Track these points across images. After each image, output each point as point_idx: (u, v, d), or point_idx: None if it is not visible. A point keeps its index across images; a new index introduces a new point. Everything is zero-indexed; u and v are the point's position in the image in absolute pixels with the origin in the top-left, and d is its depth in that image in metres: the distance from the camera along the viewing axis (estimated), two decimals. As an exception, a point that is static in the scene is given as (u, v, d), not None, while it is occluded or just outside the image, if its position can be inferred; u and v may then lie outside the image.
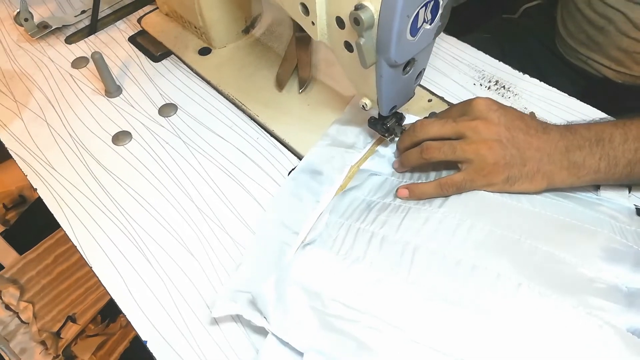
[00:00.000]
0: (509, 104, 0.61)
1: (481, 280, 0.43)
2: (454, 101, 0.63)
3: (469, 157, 0.48)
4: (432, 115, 0.60)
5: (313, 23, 0.50)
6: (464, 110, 0.51)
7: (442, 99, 0.63)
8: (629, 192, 0.51)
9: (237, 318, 0.47)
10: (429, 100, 0.64)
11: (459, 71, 0.67)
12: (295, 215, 0.52)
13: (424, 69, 0.54)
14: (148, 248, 0.53)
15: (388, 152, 0.58)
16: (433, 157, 0.50)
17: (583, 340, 0.39)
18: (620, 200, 0.51)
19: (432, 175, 0.54)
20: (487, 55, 0.68)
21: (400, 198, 0.52)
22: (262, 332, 0.46)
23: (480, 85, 0.65)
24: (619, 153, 0.47)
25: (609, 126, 0.48)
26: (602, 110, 0.60)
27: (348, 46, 0.49)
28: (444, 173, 0.52)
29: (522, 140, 0.48)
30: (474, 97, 0.51)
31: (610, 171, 0.47)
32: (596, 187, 0.51)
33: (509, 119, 0.49)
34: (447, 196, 0.50)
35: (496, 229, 0.46)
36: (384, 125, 0.56)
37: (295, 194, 0.54)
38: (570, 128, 0.49)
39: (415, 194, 0.51)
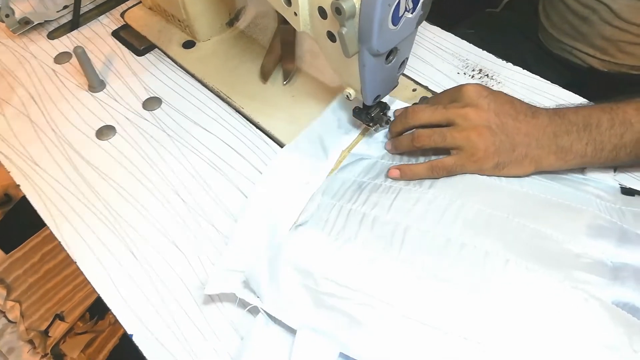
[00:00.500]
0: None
1: (470, 258, 0.44)
2: (439, 90, 0.63)
3: (460, 144, 0.49)
4: (423, 100, 0.60)
5: (295, 14, 0.49)
6: (454, 96, 0.52)
7: (426, 88, 0.64)
8: (614, 172, 0.52)
9: (224, 310, 0.47)
10: (414, 90, 0.64)
11: (443, 60, 0.67)
12: (285, 195, 0.53)
13: (407, 58, 0.54)
14: (134, 242, 0.52)
15: (379, 136, 0.59)
16: (424, 144, 0.51)
17: (569, 313, 0.40)
18: (605, 180, 0.52)
19: (422, 159, 0.54)
20: (471, 45, 0.68)
21: (391, 178, 0.52)
22: (248, 323, 0.46)
23: (464, 74, 0.65)
24: (605, 138, 0.48)
25: (597, 111, 0.49)
26: (588, 99, 0.60)
27: (331, 36, 0.49)
28: (433, 158, 0.53)
29: (511, 126, 0.49)
30: (465, 83, 0.51)
31: (596, 155, 0.49)
32: (582, 168, 0.53)
33: (499, 104, 0.50)
34: (437, 178, 0.51)
35: (485, 208, 0.48)
36: (369, 114, 0.56)
37: (286, 172, 0.54)
38: (558, 112, 0.50)
39: (406, 175, 0.52)
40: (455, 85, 0.61)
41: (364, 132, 0.59)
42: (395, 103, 0.60)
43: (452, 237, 0.45)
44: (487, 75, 0.64)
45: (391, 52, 0.50)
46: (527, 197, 0.49)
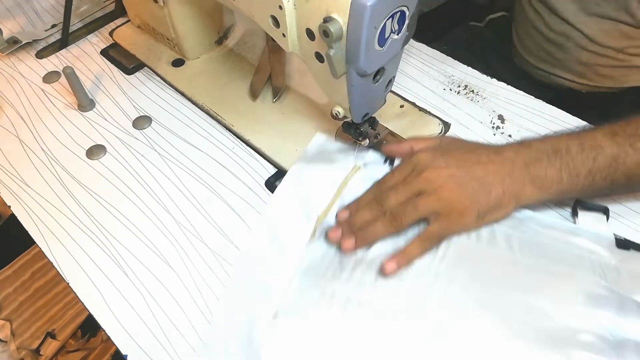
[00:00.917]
0: (477, 108, 0.64)
1: (468, 340, 0.43)
2: (426, 106, 0.64)
3: (434, 208, 0.47)
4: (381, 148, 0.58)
5: (284, 35, 0.50)
6: (407, 169, 0.50)
7: (413, 104, 0.65)
8: (607, 219, 0.51)
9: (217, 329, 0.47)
10: (401, 106, 0.65)
11: (429, 77, 0.68)
12: (263, 274, 0.50)
13: (394, 77, 0.55)
14: (125, 261, 0.53)
15: (349, 198, 0.54)
16: (403, 223, 0.48)
17: None
18: (599, 228, 0.50)
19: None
20: (456, 61, 0.70)
21: (386, 272, 0.47)
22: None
23: (450, 90, 0.66)
24: (578, 163, 0.47)
25: (564, 138, 0.48)
26: (570, 113, 0.62)
27: (319, 57, 0.50)
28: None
29: (478, 170, 0.47)
30: (413, 154, 0.50)
31: (572, 182, 0.47)
32: (574, 212, 0.52)
33: (456, 156, 0.49)
34: (429, 250, 0.49)
35: (475, 282, 0.46)
36: (357, 129, 0.57)
37: (262, 249, 0.52)
38: (523, 143, 0.49)
39: (404, 263, 0.48)
40: (441, 101, 0.62)
41: (338, 192, 0.55)
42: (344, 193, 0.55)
43: (445, 320, 0.44)
44: (472, 91, 0.66)
45: (378, 72, 0.51)
46: (518, 265, 0.47)
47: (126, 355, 0.46)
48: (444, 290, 0.46)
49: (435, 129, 0.62)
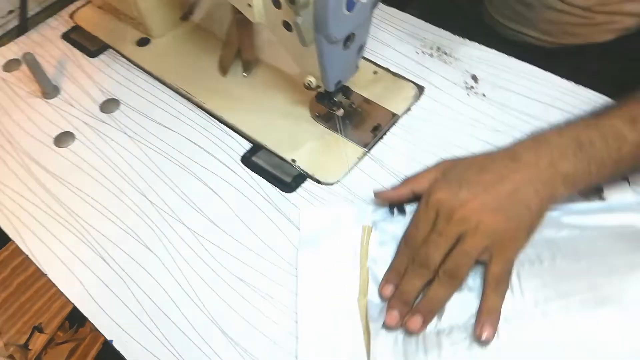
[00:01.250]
0: (451, 69, 0.63)
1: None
2: (399, 71, 0.63)
3: (485, 245, 0.42)
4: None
5: (249, 5, 0.49)
6: (429, 217, 0.44)
7: (387, 69, 0.64)
8: (629, 184, 0.49)
9: (205, 309, 0.47)
10: (374, 73, 0.64)
11: (401, 41, 0.67)
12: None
13: (365, 42, 0.54)
14: (103, 248, 0.52)
15: (379, 269, 0.47)
16: (462, 276, 0.43)
17: None
18: (626, 196, 0.49)
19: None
20: (428, 24, 0.69)
21: (485, 340, 0.41)
22: (230, 320, 0.46)
23: (423, 53, 0.65)
24: (604, 155, 0.44)
25: (582, 129, 0.45)
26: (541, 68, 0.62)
27: (287, 25, 0.48)
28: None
29: (507, 187, 0.43)
30: (426, 197, 0.45)
31: (600, 173, 0.44)
32: (597, 189, 0.49)
33: (475, 181, 0.44)
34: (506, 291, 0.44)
35: (566, 301, 0.43)
36: (331, 99, 0.56)
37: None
38: (539, 140, 0.45)
39: (496, 320, 0.42)
40: (415, 65, 0.62)
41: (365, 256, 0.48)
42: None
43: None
44: (445, 52, 0.65)
45: (348, 38, 0.49)
46: (588, 267, 0.44)
47: (112, 340, 0.46)
48: (541, 326, 0.42)
49: (409, 92, 0.61)
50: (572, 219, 0.47)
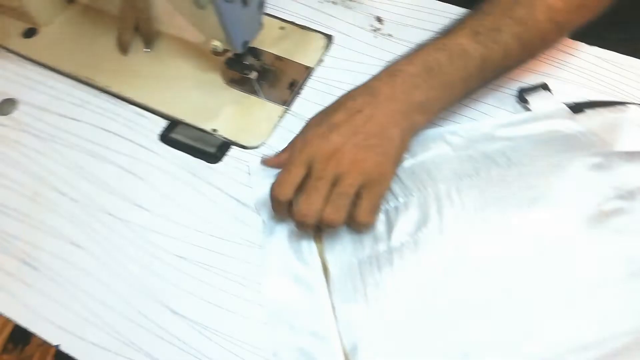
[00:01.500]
0: (355, 14, 0.63)
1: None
2: (305, 23, 0.63)
3: (358, 182, 0.44)
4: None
5: (134, -27, 0.46)
6: (304, 159, 0.44)
7: (292, 23, 0.63)
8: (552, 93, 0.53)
9: (150, 292, 0.46)
10: (281, 28, 0.63)
11: (302, -9, 0.66)
12: (301, 312, 0.45)
13: (263, -3, 0.52)
14: (28, 254, 0.49)
15: None
16: (343, 218, 0.44)
17: None
18: (550, 104, 0.52)
19: None
20: None
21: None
22: (176, 293, 0.45)
23: (326, 0, 0.65)
24: (451, 75, 0.46)
25: (431, 52, 0.47)
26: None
27: (178, -11, 0.46)
28: None
29: (373, 125, 0.44)
30: (300, 144, 0.45)
31: (450, 95, 0.47)
32: (522, 100, 0.53)
33: (337, 122, 0.45)
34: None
35: (490, 209, 0.46)
36: (242, 63, 0.55)
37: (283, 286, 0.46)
38: (392, 72, 0.47)
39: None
40: (320, 14, 0.61)
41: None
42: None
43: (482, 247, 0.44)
44: (348, -2, 0.65)
45: (245, -6, 0.48)
46: (513, 179, 0.47)
47: (58, 345, 0.44)
48: (482, 230, 0.45)
49: (319, 43, 0.61)
50: (504, 131, 0.51)
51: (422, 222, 0.46)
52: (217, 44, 0.52)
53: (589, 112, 0.51)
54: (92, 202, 0.51)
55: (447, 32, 0.48)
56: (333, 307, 0.44)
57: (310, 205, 0.43)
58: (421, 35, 0.59)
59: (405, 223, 0.46)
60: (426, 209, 0.46)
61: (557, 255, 0.42)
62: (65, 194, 0.52)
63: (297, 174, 0.44)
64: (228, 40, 0.51)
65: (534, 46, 0.50)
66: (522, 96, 0.53)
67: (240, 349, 0.43)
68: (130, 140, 0.55)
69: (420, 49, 0.48)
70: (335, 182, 0.43)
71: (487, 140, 0.50)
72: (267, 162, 0.50)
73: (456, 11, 0.62)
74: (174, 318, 0.45)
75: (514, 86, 0.55)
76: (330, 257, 0.47)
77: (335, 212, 0.43)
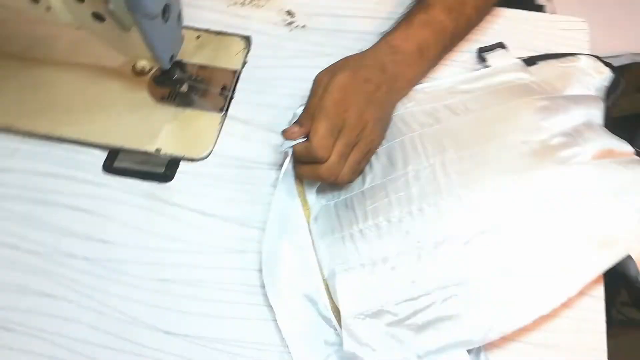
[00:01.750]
0: (266, 11, 0.65)
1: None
2: (221, 29, 0.63)
3: (370, 146, 0.50)
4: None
5: (49, 8, 0.45)
6: (337, 123, 0.47)
7: (208, 31, 0.63)
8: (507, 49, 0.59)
9: (140, 321, 0.46)
10: (198, 37, 0.63)
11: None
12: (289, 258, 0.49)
13: (181, 10, 0.53)
14: (2, 318, 0.47)
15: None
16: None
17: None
18: (507, 60, 0.57)
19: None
20: None
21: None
22: (169, 316, 0.45)
23: (234, 4, 0.66)
24: (436, 52, 0.55)
25: (420, 29, 0.53)
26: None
27: (98, 17, 0.46)
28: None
29: (383, 99, 0.50)
30: (335, 109, 0.47)
31: (432, 67, 0.57)
32: (481, 59, 0.59)
33: (364, 93, 0.49)
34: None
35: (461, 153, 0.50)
36: (171, 78, 0.55)
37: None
38: (393, 50, 0.52)
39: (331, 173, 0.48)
40: (230, 18, 0.62)
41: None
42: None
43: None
44: (256, -3, 0.66)
45: (165, 10, 0.48)
46: (472, 123, 0.52)
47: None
48: (442, 173, 0.49)
49: (239, 46, 0.62)
50: (464, 86, 0.56)
51: (391, 167, 0.51)
52: (144, 63, 0.52)
53: (542, 64, 0.58)
54: (51, 249, 0.50)
55: (423, 7, 0.54)
56: (313, 242, 0.49)
57: (338, 167, 0.47)
58: (333, 21, 0.64)
59: (376, 169, 0.51)
60: (394, 157, 0.51)
61: (506, 184, 0.47)
62: (20, 248, 0.50)
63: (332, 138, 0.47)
64: (155, 58, 0.51)
65: (485, 13, 0.59)
66: (481, 55, 0.59)
67: (252, 350, 0.45)
68: (73, 179, 0.54)
69: (410, 22, 0.54)
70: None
71: (449, 94, 0.56)
72: (292, 134, 0.49)
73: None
74: (174, 339, 0.45)
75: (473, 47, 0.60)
76: (310, 199, 0.52)
77: (354, 175, 0.50)
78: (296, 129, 0.48)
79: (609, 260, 0.44)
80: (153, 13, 0.46)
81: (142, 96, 0.59)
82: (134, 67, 0.60)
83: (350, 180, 0.50)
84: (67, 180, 0.54)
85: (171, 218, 0.51)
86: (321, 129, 0.46)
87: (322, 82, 0.49)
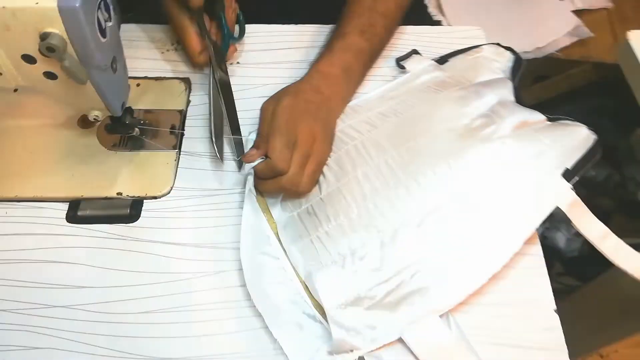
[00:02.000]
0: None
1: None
2: (158, 74, 0.67)
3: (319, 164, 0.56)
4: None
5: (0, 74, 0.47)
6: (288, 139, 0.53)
7: (146, 77, 0.67)
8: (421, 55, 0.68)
9: (134, 354, 0.47)
10: (138, 85, 0.67)
11: (145, 48, 0.70)
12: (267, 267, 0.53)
13: (124, 61, 0.56)
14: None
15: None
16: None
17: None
18: (422, 63, 0.66)
19: None
20: (156, 25, 0.72)
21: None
22: (163, 345, 0.48)
23: (167, 50, 0.70)
24: (358, 71, 0.64)
25: (341, 53, 0.62)
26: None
27: (50, 75, 0.48)
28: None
29: (325, 119, 0.58)
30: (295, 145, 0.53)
31: (358, 84, 0.65)
32: (400, 67, 0.67)
33: (312, 117, 0.56)
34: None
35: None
36: (123, 125, 0.58)
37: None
38: (324, 76, 0.60)
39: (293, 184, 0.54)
40: (165, 65, 0.67)
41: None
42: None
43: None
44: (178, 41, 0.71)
45: (113, 61, 0.52)
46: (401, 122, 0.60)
47: None
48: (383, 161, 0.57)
49: (180, 87, 0.67)
50: (392, 93, 0.64)
51: (342, 173, 0.57)
52: (96, 113, 0.54)
53: (452, 60, 0.67)
54: (28, 304, 0.50)
55: (340, 35, 0.63)
56: (285, 251, 0.53)
57: (299, 177, 0.53)
58: (263, 55, 0.70)
59: (329, 177, 0.57)
60: (343, 164, 0.57)
61: (442, 168, 0.54)
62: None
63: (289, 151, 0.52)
64: (108, 106, 0.54)
65: (393, 31, 0.68)
66: (399, 64, 0.67)
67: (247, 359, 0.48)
68: (39, 234, 0.55)
69: (332, 50, 0.62)
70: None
71: (380, 102, 0.63)
72: (252, 156, 0.54)
73: (286, 29, 0.72)
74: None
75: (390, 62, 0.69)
76: (274, 213, 0.56)
77: (311, 184, 0.55)
78: (254, 151, 0.53)
79: (541, 215, 0.52)
80: (105, 65, 0.49)
81: (94, 146, 0.61)
82: (79, 120, 0.62)
83: (308, 190, 0.55)
84: (33, 237, 0.55)
85: (145, 254, 0.54)
86: (278, 145, 0.51)
87: (269, 108, 0.55)
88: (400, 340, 0.48)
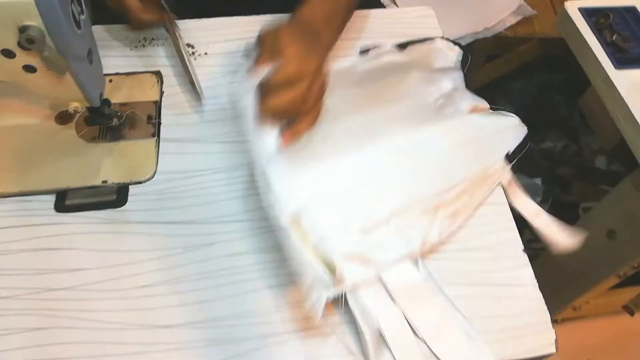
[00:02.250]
0: (167, 48, 0.72)
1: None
2: (129, 70, 0.70)
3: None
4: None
5: (-21, 71, 0.49)
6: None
7: (117, 74, 0.69)
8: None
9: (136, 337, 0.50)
10: (110, 81, 0.69)
11: (115, 47, 0.73)
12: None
13: (99, 54, 0.59)
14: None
15: None
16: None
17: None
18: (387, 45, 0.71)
19: None
20: (122, 25, 0.74)
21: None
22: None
23: (136, 47, 0.73)
24: (339, 19, 0.63)
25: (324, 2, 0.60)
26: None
27: (29, 68, 0.51)
28: None
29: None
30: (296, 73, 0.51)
31: (339, 32, 0.63)
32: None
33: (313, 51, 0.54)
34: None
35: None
36: (103, 115, 0.60)
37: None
38: (306, 24, 0.57)
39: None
40: (136, 64, 0.69)
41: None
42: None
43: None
44: (153, 38, 0.73)
45: (89, 53, 0.55)
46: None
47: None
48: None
49: (152, 80, 0.69)
50: (364, 65, 0.70)
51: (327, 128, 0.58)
52: (75, 104, 0.57)
53: (410, 47, 0.73)
54: (27, 289, 0.52)
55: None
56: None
57: (310, 91, 0.52)
58: (228, 45, 0.73)
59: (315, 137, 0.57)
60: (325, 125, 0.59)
61: (406, 137, 0.60)
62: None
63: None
64: (86, 97, 0.56)
65: None
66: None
67: (246, 319, 0.51)
68: (30, 225, 0.56)
69: (310, 2, 0.59)
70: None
71: (347, 74, 0.68)
72: (261, 63, 0.53)
73: (245, 20, 0.76)
74: (172, 330, 0.50)
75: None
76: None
77: (316, 110, 0.55)
78: (261, 60, 0.52)
79: (489, 188, 0.60)
80: (83, 55, 0.52)
81: (74, 140, 0.63)
82: (57, 117, 0.64)
83: (314, 118, 0.55)
84: (24, 228, 0.56)
85: (136, 234, 0.56)
86: (289, 51, 0.51)
87: (269, 33, 0.55)
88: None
